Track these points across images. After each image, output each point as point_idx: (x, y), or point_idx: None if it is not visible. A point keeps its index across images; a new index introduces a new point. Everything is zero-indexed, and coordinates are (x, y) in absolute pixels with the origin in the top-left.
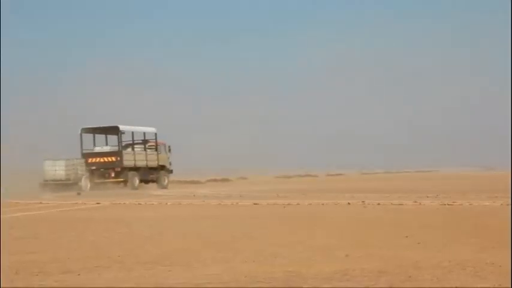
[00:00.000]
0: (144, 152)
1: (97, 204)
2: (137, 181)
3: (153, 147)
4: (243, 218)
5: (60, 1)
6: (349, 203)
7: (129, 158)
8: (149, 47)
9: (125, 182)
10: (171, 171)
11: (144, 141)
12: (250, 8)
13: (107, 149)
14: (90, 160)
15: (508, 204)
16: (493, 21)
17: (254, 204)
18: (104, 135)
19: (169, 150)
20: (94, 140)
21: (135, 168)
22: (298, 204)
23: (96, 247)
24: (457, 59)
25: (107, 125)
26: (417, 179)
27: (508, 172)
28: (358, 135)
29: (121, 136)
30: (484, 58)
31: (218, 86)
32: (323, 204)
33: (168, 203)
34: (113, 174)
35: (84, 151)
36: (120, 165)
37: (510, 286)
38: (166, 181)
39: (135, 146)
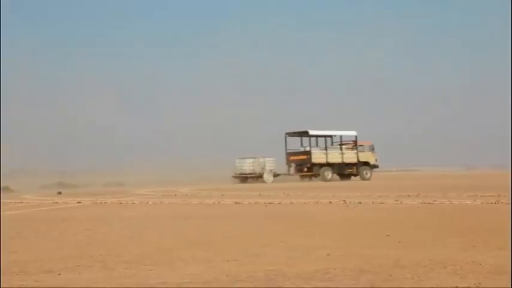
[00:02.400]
0: (338, 151)
1: (78, 204)
2: (330, 174)
3: (352, 146)
4: (224, 217)
5: (60, 1)
6: (330, 202)
7: (318, 156)
8: (149, 47)
9: (316, 175)
10: (375, 166)
11: (343, 143)
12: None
13: (301, 149)
14: (290, 158)
15: (488, 203)
16: (488, 22)
17: (236, 203)
18: (299, 138)
19: (373, 148)
20: (302, 141)
21: (328, 164)
22: (280, 203)
23: (78, 246)
24: (446, 60)
25: (301, 130)
26: (398, 178)
27: (487, 171)
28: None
29: (310, 139)
30: (477, 59)
31: (218, 86)
32: (305, 203)
33: (150, 202)
34: (305, 169)
35: (287, 151)
36: (310, 161)
37: (510, 286)
38: (368, 174)
39: (331, 145)
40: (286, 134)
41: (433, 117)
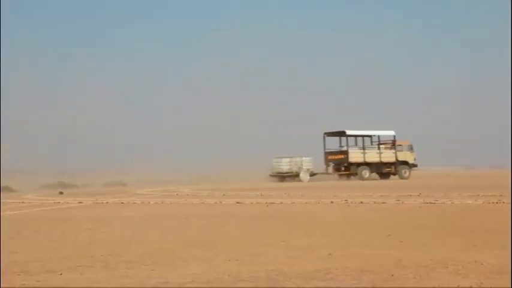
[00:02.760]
0: (376, 150)
1: (79, 203)
2: (367, 173)
3: (391, 146)
4: (225, 217)
5: (60, 1)
6: (332, 202)
7: (355, 155)
8: (149, 47)
9: (354, 174)
10: (414, 165)
11: (382, 142)
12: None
13: (339, 148)
14: (329, 157)
15: (489, 203)
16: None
17: (237, 203)
18: (338, 138)
19: (412, 148)
20: (340, 141)
21: (365, 163)
22: (281, 203)
23: (79, 246)
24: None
25: (338, 130)
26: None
27: (487, 171)
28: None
29: (347, 138)
30: (477, 59)
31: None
32: (306, 203)
33: (151, 202)
34: (342, 168)
35: (325, 150)
36: (347, 161)
37: (510, 286)
38: (407, 173)
39: (370, 145)
40: (325, 133)
41: (433, 117)
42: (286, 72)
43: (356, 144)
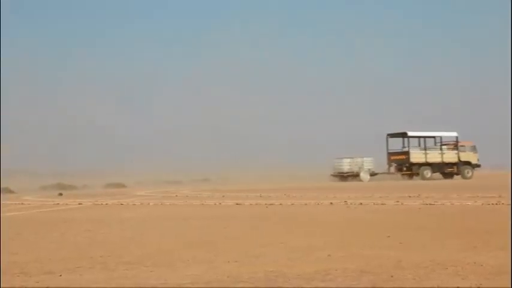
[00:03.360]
0: (437, 151)
1: (79, 205)
2: (429, 173)
3: (453, 146)
4: (225, 218)
5: (60, 1)
6: (331, 203)
7: (417, 156)
8: (149, 47)
9: (416, 174)
10: (477, 166)
11: (444, 143)
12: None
13: (401, 149)
14: (391, 157)
15: (489, 204)
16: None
17: (236, 204)
18: (400, 139)
19: (475, 149)
20: (403, 142)
21: (427, 164)
22: (280, 204)
23: (78, 248)
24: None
25: (400, 131)
26: (399, 178)
27: (487, 171)
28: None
29: (409, 139)
30: (477, 59)
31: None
32: (306, 204)
33: (151, 203)
34: (404, 168)
35: (388, 151)
36: (408, 161)
37: (510, 286)
38: (470, 173)
39: (431, 146)
40: (388, 135)
41: (433, 117)
42: (286, 72)
43: (419, 145)
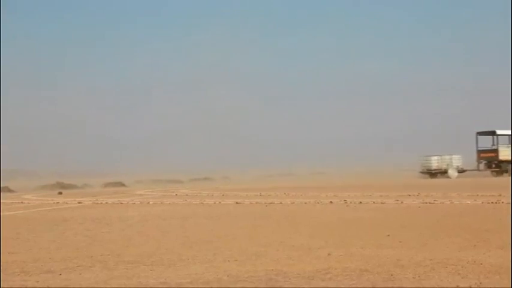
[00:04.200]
0: None
1: (79, 204)
2: None
3: None
4: (225, 217)
5: (61, 2)
6: (331, 202)
7: (505, 153)
8: (149, 48)
9: (505, 171)
10: None
11: None
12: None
13: (490, 147)
14: (480, 155)
15: (489, 203)
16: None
17: (236, 203)
18: (491, 137)
19: None
20: (493, 140)
21: None
22: (280, 203)
23: (78, 247)
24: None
25: (489, 130)
26: (399, 177)
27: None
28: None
29: (500, 138)
30: (477, 58)
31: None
32: (305, 203)
33: (150, 202)
34: (493, 165)
35: (478, 148)
36: (497, 158)
37: (510, 286)
38: None
39: None
40: (477, 133)
41: (434, 114)
42: (285, 75)
43: (508, 143)
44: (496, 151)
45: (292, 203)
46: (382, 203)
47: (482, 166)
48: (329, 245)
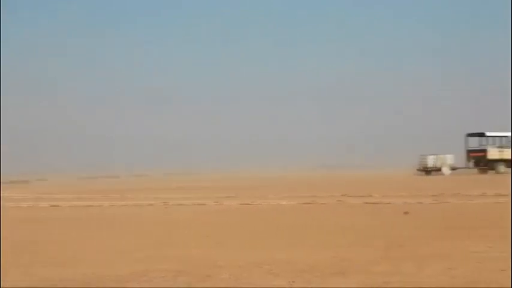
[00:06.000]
0: (510, 149)
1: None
2: (503, 168)
3: None
4: (40, 221)
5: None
6: (151, 204)
7: (493, 153)
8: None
9: (492, 169)
10: None
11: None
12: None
13: (479, 147)
14: (470, 154)
15: (305, 203)
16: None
17: (52, 206)
18: (479, 138)
19: None
20: (480, 141)
21: (501, 160)
22: (100, 206)
23: None
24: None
25: (478, 132)
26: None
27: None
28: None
29: (487, 139)
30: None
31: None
32: (125, 205)
33: None
34: (481, 164)
35: (467, 148)
36: (485, 158)
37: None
38: None
39: (505, 145)
40: (466, 134)
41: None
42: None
43: (494, 144)
44: (485, 151)
45: (111, 205)
46: (202, 204)
47: (471, 164)
48: (147, 247)
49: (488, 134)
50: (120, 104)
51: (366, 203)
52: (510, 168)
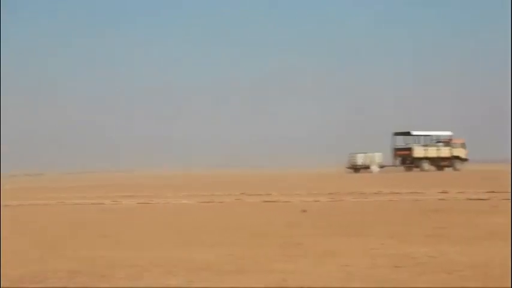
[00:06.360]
0: (434, 147)
1: None
2: (427, 166)
3: (447, 143)
4: None
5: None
6: (47, 204)
7: (418, 151)
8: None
9: (417, 166)
10: (465, 160)
11: (440, 140)
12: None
13: (405, 146)
14: (396, 152)
15: (204, 202)
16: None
17: None
18: (405, 137)
19: (464, 145)
20: (405, 139)
21: (426, 158)
22: None
23: None
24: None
25: (404, 131)
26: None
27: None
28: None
29: (413, 137)
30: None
31: None
32: (23, 205)
33: None
34: (407, 162)
35: (394, 147)
36: (411, 156)
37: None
38: (459, 166)
39: (429, 143)
40: (393, 133)
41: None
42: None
43: (419, 142)
44: (410, 149)
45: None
46: (100, 203)
47: (398, 162)
48: (41, 248)
49: (414, 133)
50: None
51: (264, 201)
52: (434, 166)
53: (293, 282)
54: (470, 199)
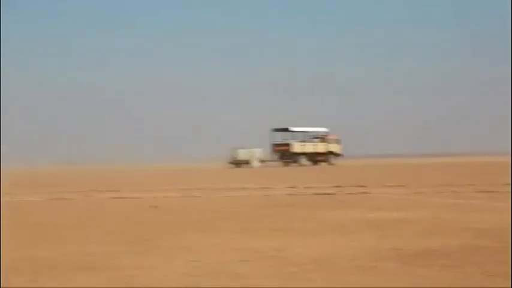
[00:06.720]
0: (312, 143)
1: None
2: (304, 161)
3: (323, 139)
4: None
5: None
6: None
7: (296, 147)
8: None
9: (294, 161)
10: (339, 155)
11: (317, 137)
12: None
13: (284, 141)
14: (275, 148)
15: (52, 199)
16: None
17: None
18: (283, 133)
19: (339, 141)
20: (283, 135)
21: (303, 153)
22: None
23: None
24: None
25: (283, 127)
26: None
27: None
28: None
29: (291, 134)
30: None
31: None
32: None
33: None
34: (285, 157)
35: (272, 142)
36: (289, 151)
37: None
38: (333, 161)
39: (306, 139)
40: (272, 129)
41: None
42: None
43: (296, 138)
44: (289, 145)
45: None
46: None
47: (276, 157)
48: None
49: (292, 129)
50: None
51: (113, 197)
52: (311, 161)
53: (141, 278)
54: (318, 194)
